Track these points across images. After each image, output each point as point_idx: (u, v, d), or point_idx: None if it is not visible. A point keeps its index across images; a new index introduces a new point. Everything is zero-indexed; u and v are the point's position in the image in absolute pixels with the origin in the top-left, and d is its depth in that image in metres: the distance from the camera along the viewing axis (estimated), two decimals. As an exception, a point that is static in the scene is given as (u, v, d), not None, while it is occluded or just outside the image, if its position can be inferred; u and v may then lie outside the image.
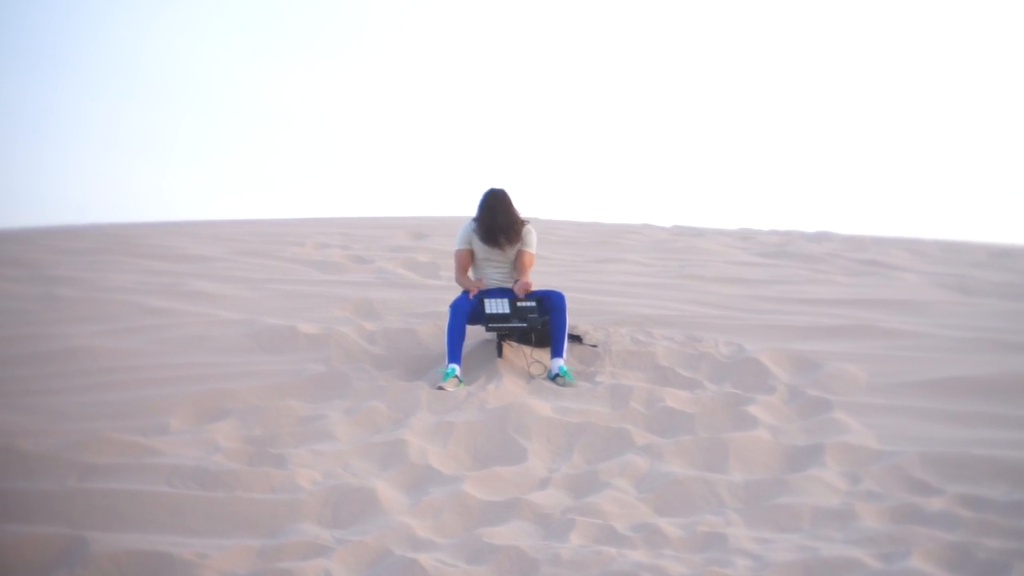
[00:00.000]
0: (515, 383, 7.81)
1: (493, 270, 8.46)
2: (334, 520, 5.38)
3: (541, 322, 8.12)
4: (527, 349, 8.34)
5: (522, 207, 8.47)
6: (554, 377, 7.94)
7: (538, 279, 8.86)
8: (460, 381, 7.75)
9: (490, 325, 8.08)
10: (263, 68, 40.43)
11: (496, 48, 43.15)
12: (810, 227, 22.28)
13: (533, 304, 8.09)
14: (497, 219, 8.30)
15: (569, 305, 8.34)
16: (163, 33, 38.07)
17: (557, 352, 8.08)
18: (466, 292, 8.27)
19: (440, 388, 7.55)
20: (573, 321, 8.87)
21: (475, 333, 8.61)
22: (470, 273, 8.58)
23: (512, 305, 8.08)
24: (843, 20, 40.69)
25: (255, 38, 40.01)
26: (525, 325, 8.05)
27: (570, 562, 4.75)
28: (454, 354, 7.91)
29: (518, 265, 8.46)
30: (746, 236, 20.21)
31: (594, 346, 8.67)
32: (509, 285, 8.39)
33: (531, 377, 8.01)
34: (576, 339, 8.75)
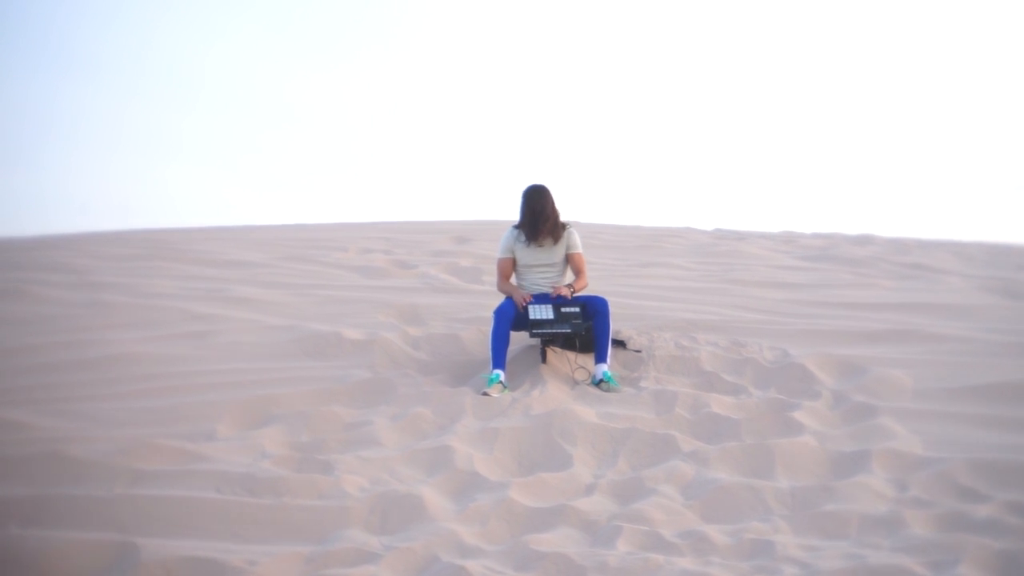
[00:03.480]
0: (559, 389, 7.81)
1: (538, 275, 8.46)
2: (382, 526, 5.40)
3: (585, 327, 8.12)
4: (571, 355, 8.34)
5: (563, 210, 8.49)
6: (598, 383, 7.94)
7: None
8: (504, 387, 7.76)
9: (534, 331, 8.08)
10: (294, 70, 40.60)
11: (538, 50, 43.15)
12: (852, 230, 22.13)
13: (577, 309, 8.10)
14: (541, 213, 8.31)
15: (612, 310, 8.34)
16: (199, 41, 38.29)
17: (601, 357, 8.07)
18: (510, 298, 8.27)
19: (485, 394, 7.56)
20: (617, 326, 8.87)
21: (519, 339, 8.62)
22: (513, 280, 8.59)
23: (556, 311, 8.08)
24: (885, 21, 40.44)
25: (287, 40, 40.19)
26: (569, 330, 8.05)
27: (617, 569, 4.75)
28: (498, 360, 7.92)
29: (574, 267, 8.48)
30: (788, 239, 20.09)
31: (638, 351, 8.66)
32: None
33: (575, 383, 8.01)
34: (620, 344, 8.74)
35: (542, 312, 8.07)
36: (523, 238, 8.40)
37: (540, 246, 8.39)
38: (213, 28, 39.55)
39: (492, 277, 12.19)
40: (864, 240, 20.36)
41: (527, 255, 8.44)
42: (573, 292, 8.26)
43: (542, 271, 8.46)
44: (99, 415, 6.97)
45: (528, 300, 8.17)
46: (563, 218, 8.49)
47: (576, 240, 8.50)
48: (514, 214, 8.59)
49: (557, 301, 8.13)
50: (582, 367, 8.17)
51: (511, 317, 8.08)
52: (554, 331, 8.07)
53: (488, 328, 8.54)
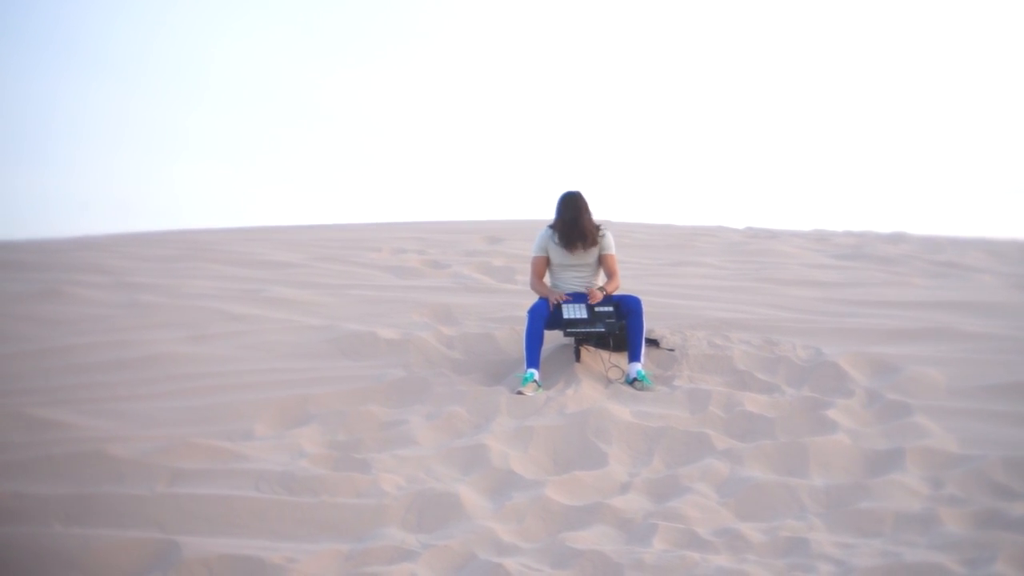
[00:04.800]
0: (593, 387, 7.84)
1: (572, 274, 8.50)
2: (419, 524, 5.45)
3: (619, 326, 8.15)
4: (605, 354, 8.37)
5: (596, 210, 8.52)
6: (632, 381, 7.97)
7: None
8: (539, 386, 7.80)
9: (568, 330, 8.12)
10: (322, 70, 40.73)
11: (571, 48, 43.14)
12: (885, 228, 22.04)
13: (611, 309, 8.14)
14: (575, 221, 8.35)
15: (646, 309, 8.37)
16: (228, 42, 38.48)
17: (635, 356, 8.10)
18: (544, 298, 8.32)
19: (519, 393, 7.60)
20: (650, 325, 8.89)
21: (553, 338, 8.66)
22: (546, 279, 8.63)
23: (590, 310, 8.12)
24: (919, 13, 40.26)
25: (316, 39, 40.32)
26: (603, 330, 8.08)
27: (654, 567, 4.79)
28: (533, 359, 7.97)
29: (606, 270, 8.51)
30: (820, 238, 20.03)
31: (671, 350, 8.69)
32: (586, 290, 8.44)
33: (609, 381, 8.05)
34: (653, 343, 8.76)
35: (576, 311, 8.11)
36: (556, 238, 8.44)
37: (572, 252, 8.44)
38: (237, 24, 39.73)
39: (525, 277, 12.23)
40: (897, 238, 20.29)
41: (561, 255, 8.48)
42: (606, 295, 8.30)
43: (575, 271, 8.50)
44: (139, 415, 7.05)
45: (563, 299, 8.20)
46: (597, 219, 8.52)
47: (610, 242, 8.53)
48: (547, 214, 8.65)
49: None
50: (616, 366, 8.20)
51: (545, 316, 8.12)
52: (588, 330, 8.11)
53: (522, 327, 8.58)
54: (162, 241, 16.21)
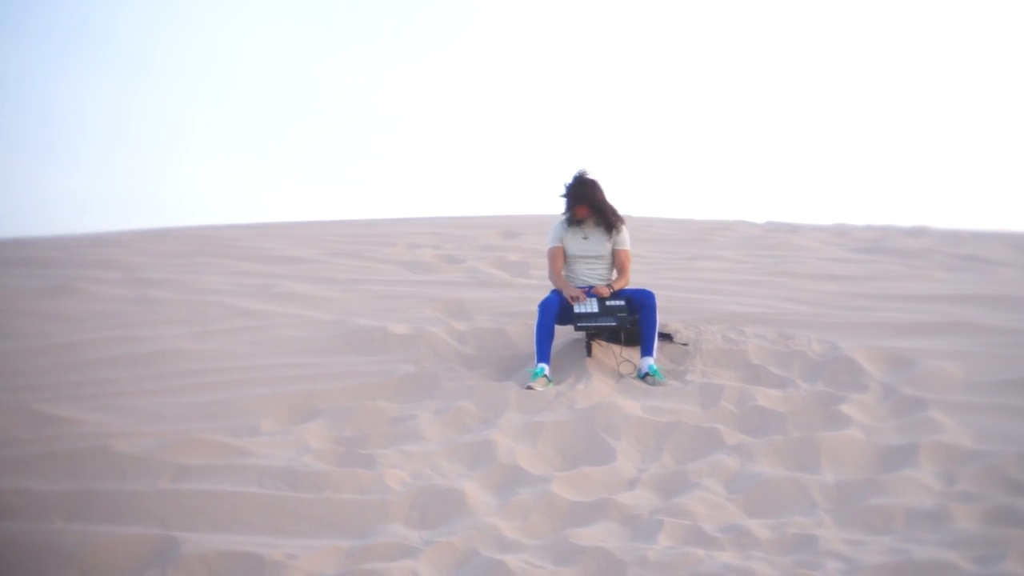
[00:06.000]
0: (604, 382, 7.77)
1: (585, 267, 8.44)
2: (422, 521, 5.39)
3: (630, 320, 8.07)
4: (616, 348, 8.29)
5: (615, 204, 8.45)
6: (644, 376, 7.89)
7: (630, 277, 8.78)
8: (549, 381, 7.73)
9: (579, 324, 8.05)
10: (340, 67, 40.79)
11: (583, 43, 43.07)
12: (907, 222, 21.87)
13: (622, 303, 8.06)
14: (581, 192, 8.28)
15: (660, 303, 8.30)
16: (247, 38, 38.56)
17: (647, 351, 8.03)
18: (556, 291, 8.26)
19: (529, 388, 7.53)
20: (664, 319, 8.81)
21: (565, 332, 8.59)
22: (563, 272, 8.56)
23: (601, 304, 8.05)
24: (954, 6, 40.06)
25: (334, 36, 40.36)
26: (614, 324, 8.01)
27: (657, 564, 4.71)
28: (543, 354, 7.89)
29: (618, 265, 8.45)
30: (841, 232, 19.88)
31: (685, 344, 8.61)
32: (601, 283, 8.36)
33: (621, 376, 7.96)
34: (667, 337, 8.69)
35: (587, 305, 8.05)
36: (567, 226, 8.40)
37: (580, 228, 8.35)
38: (256, 19, 39.81)
39: (540, 271, 12.17)
40: (918, 232, 20.11)
41: (575, 246, 8.42)
42: (612, 292, 8.21)
43: (589, 263, 8.43)
44: (146, 410, 7.02)
45: (582, 299, 8.12)
46: (619, 216, 8.46)
47: (624, 236, 8.46)
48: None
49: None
50: (627, 360, 8.12)
51: (556, 311, 8.04)
52: (599, 324, 8.04)
53: (534, 322, 8.52)
54: (176, 237, 16.19)
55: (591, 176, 8.38)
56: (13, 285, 10.89)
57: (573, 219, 8.40)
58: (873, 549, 4.90)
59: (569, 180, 8.37)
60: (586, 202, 8.31)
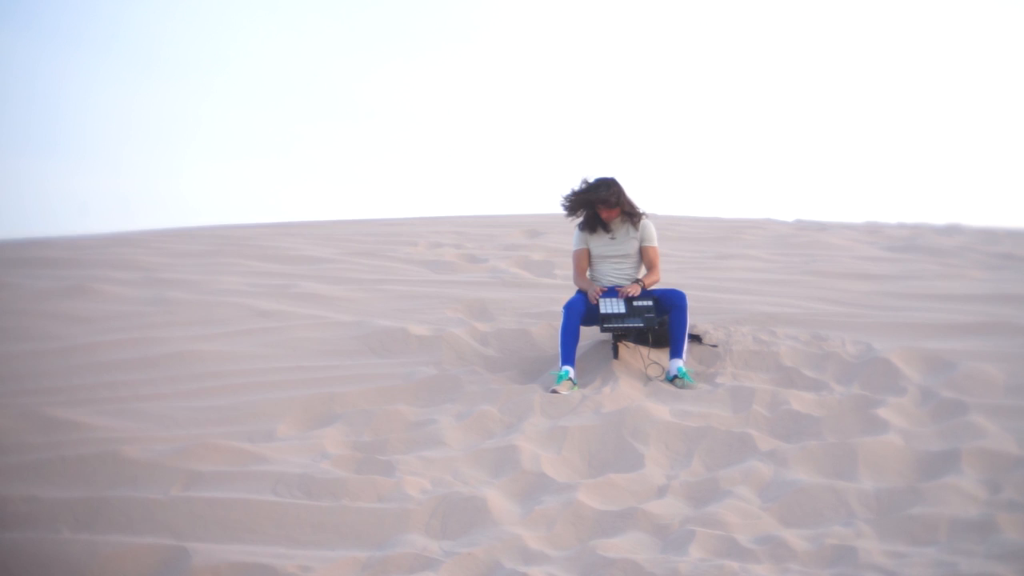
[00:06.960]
0: (631, 385, 7.55)
1: (611, 267, 8.22)
2: (443, 531, 5.18)
3: (658, 321, 7.85)
4: (644, 350, 8.08)
5: (641, 202, 8.25)
6: (672, 379, 7.67)
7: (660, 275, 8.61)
8: (574, 384, 7.51)
9: (605, 325, 7.82)
10: (362, 66, 40.76)
11: (610, 40, 42.92)
12: (940, 219, 21.63)
13: (650, 303, 7.83)
14: (607, 194, 8.05)
15: (689, 304, 8.07)
16: (269, 37, 38.55)
17: (676, 353, 7.80)
18: (581, 292, 8.05)
19: (554, 391, 7.32)
20: (693, 320, 8.61)
21: (590, 334, 8.38)
22: (588, 274, 8.34)
23: (628, 304, 7.82)
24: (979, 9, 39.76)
25: (355, 35, 40.35)
26: (642, 325, 7.78)
27: (690, 578, 4.49)
28: (568, 356, 7.67)
29: (646, 262, 8.22)
30: (872, 230, 19.67)
31: (714, 346, 8.38)
32: (627, 283, 8.15)
33: (648, 379, 7.74)
34: (696, 339, 8.47)
35: (613, 306, 7.82)
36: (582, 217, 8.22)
37: (607, 230, 8.14)
38: (277, 18, 39.82)
39: (564, 271, 12.01)
40: (952, 230, 19.88)
41: (600, 246, 8.21)
42: (643, 287, 7.98)
43: (615, 263, 8.22)
44: (160, 414, 6.85)
45: (595, 297, 7.91)
46: (640, 209, 8.23)
47: (651, 233, 8.24)
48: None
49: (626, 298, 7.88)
50: (655, 363, 7.90)
51: (581, 312, 7.82)
52: (625, 325, 7.81)
53: (559, 323, 8.30)
54: (194, 237, 16.13)
55: (608, 176, 8.17)
56: (30, 285, 10.79)
57: (599, 223, 8.18)
58: (917, 562, 4.66)
59: (582, 186, 8.15)
60: (614, 204, 8.07)
